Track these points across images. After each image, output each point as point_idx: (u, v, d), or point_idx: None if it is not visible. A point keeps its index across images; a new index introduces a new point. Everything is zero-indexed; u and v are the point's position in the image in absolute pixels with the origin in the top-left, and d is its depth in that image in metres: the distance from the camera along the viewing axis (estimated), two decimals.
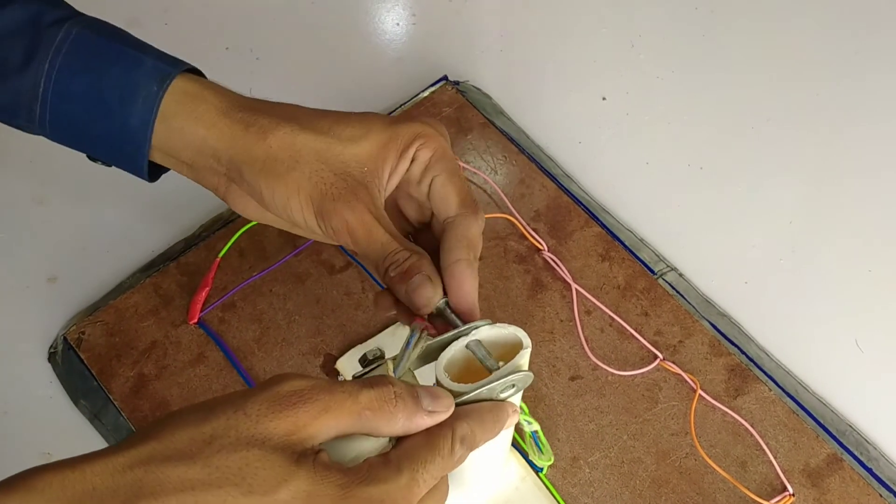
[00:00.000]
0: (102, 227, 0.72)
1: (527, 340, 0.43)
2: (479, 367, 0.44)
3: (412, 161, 0.48)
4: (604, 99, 0.81)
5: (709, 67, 0.83)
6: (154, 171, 0.53)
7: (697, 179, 0.76)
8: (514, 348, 0.43)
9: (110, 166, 0.53)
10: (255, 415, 0.35)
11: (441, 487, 0.40)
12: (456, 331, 0.44)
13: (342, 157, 0.47)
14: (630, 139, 0.78)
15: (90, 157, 0.54)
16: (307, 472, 0.35)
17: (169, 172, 0.54)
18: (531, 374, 0.43)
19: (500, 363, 0.43)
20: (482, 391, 0.42)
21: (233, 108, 0.48)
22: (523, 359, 0.42)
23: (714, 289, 0.70)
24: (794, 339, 0.68)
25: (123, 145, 0.50)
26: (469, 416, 0.41)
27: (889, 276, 0.71)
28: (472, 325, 0.44)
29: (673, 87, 0.82)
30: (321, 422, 0.36)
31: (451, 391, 0.41)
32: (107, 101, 0.49)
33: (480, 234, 0.48)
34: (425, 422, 0.39)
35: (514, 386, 0.43)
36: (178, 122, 0.49)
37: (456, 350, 0.43)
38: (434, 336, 0.45)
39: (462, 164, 0.74)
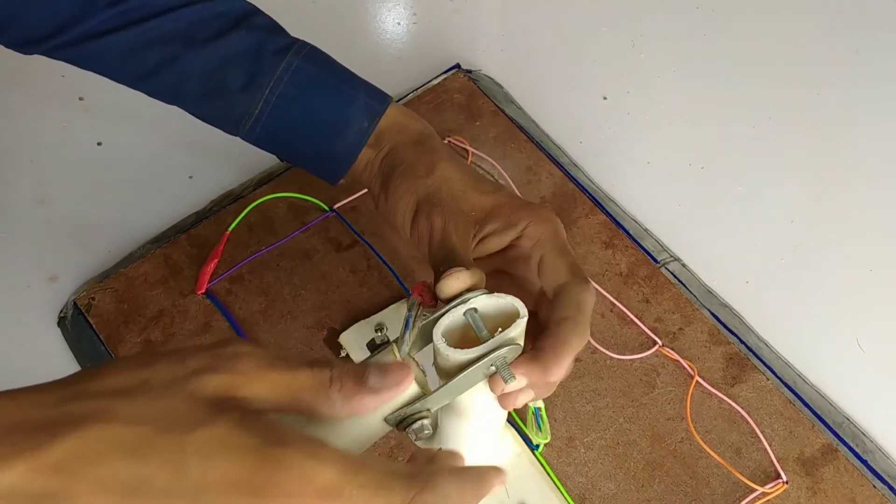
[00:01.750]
0: (102, 227, 0.72)
1: (524, 310, 0.44)
2: (476, 336, 0.44)
3: (520, 237, 0.50)
4: (605, 98, 0.81)
5: (710, 67, 0.84)
6: None
7: (698, 179, 0.77)
8: (512, 318, 0.44)
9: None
10: (193, 368, 0.36)
11: None
12: (454, 301, 0.44)
13: (465, 197, 0.51)
14: (631, 138, 0.79)
15: (280, 159, 0.61)
16: (227, 421, 0.35)
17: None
18: (520, 346, 0.44)
19: (499, 331, 0.43)
20: (469, 372, 0.42)
21: (426, 137, 0.54)
22: (519, 328, 0.43)
23: (715, 287, 0.70)
24: (794, 336, 0.68)
25: (327, 165, 0.56)
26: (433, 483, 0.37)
27: (890, 276, 0.71)
28: (469, 294, 0.44)
29: (674, 87, 0.82)
30: (255, 389, 0.37)
31: (446, 356, 0.42)
32: (320, 130, 0.55)
33: (592, 304, 0.47)
34: (367, 402, 0.39)
35: (494, 366, 0.43)
36: (381, 146, 0.55)
37: (454, 318, 0.44)
38: (429, 308, 0.45)
39: (471, 149, 0.75)
